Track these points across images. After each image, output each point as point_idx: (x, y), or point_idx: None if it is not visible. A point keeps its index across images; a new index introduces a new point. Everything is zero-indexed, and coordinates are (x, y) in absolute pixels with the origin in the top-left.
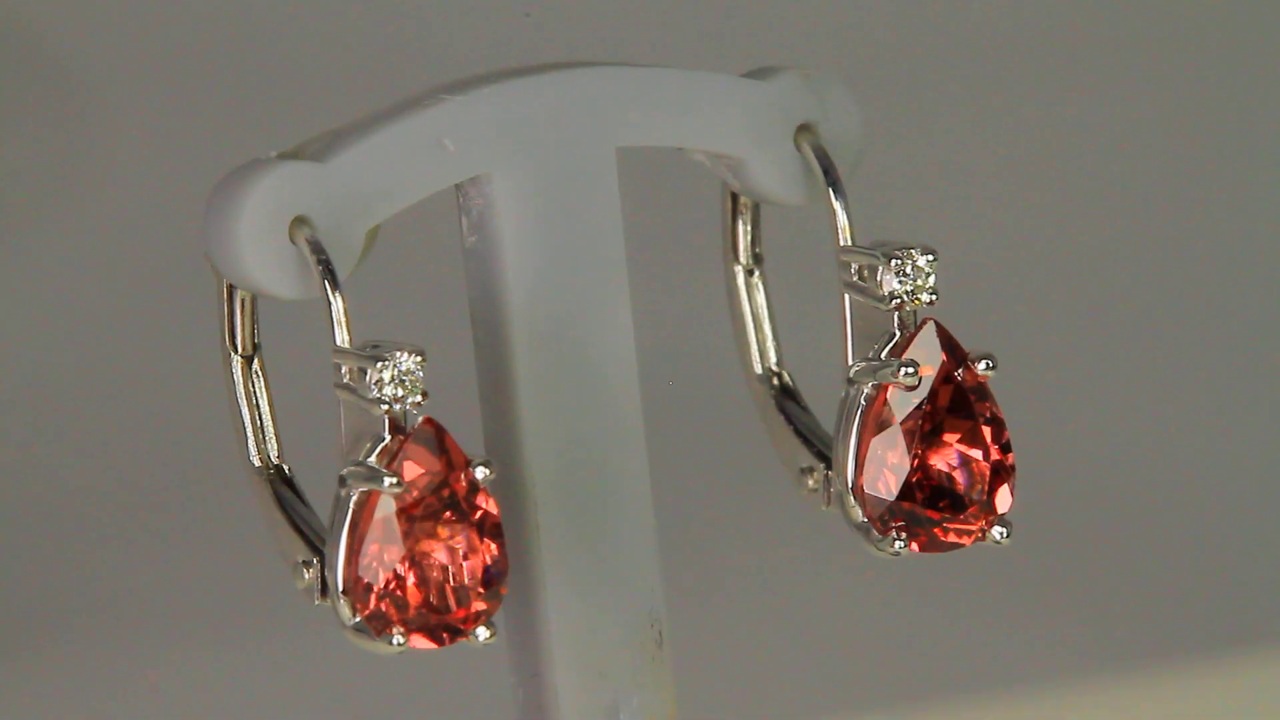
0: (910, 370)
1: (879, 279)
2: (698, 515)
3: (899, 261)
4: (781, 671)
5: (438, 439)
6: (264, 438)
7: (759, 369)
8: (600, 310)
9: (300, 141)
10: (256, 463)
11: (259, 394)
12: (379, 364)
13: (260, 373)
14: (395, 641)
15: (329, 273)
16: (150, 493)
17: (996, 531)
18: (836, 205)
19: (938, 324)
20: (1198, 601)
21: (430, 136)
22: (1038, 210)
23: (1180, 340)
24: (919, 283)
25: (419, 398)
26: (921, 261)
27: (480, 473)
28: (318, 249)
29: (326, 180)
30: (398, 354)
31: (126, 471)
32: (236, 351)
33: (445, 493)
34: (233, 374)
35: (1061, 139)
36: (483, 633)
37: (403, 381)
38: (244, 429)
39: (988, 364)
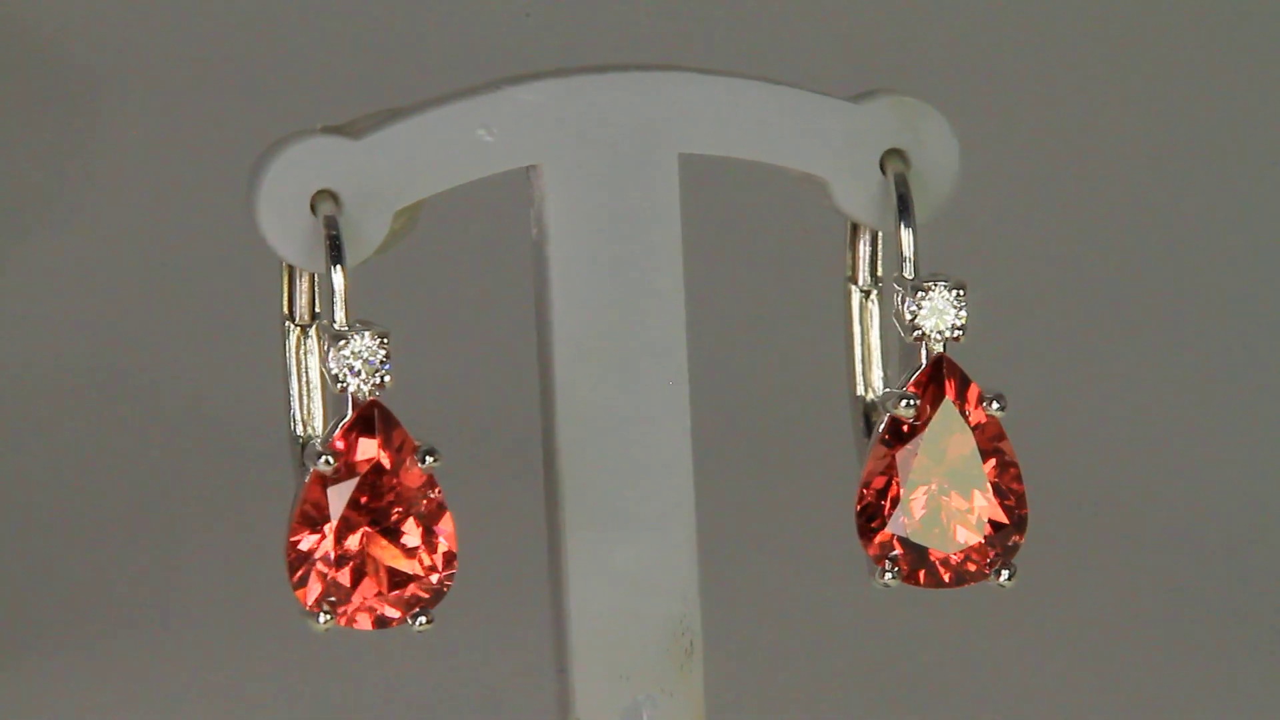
0: (909, 403)
1: (904, 310)
2: (745, 529)
3: (922, 294)
4: (819, 689)
5: (381, 422)
6: (307, 408)
7: (860, 390)
8: (649, 314)
9: (354, 117)
10: (299, 432)
11: (309, 364)
12: (339, 342)
13: (314, 342)
14: (321, 620)
15: (334, 249)
16: (152, 491)
17: (1001, 574)
18: (904, 235)
19: (949, 360)
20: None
21: (471, 124)
22: (1039, 215)
23: (1191, 344)
24: (943, 317)
25: (379, 380)
26: (947, 296)
27: (426, 460)
28: (330, 224)
29: (358, 157)
30: (358, 334)
31: (129, 469)
32: (293, 319)
33: (389, 478)
34: (286, 342)
35: (1063, 144)
36: (419, 620)
37: (367, 361)
38: (288, 398)
39: (997, 404)
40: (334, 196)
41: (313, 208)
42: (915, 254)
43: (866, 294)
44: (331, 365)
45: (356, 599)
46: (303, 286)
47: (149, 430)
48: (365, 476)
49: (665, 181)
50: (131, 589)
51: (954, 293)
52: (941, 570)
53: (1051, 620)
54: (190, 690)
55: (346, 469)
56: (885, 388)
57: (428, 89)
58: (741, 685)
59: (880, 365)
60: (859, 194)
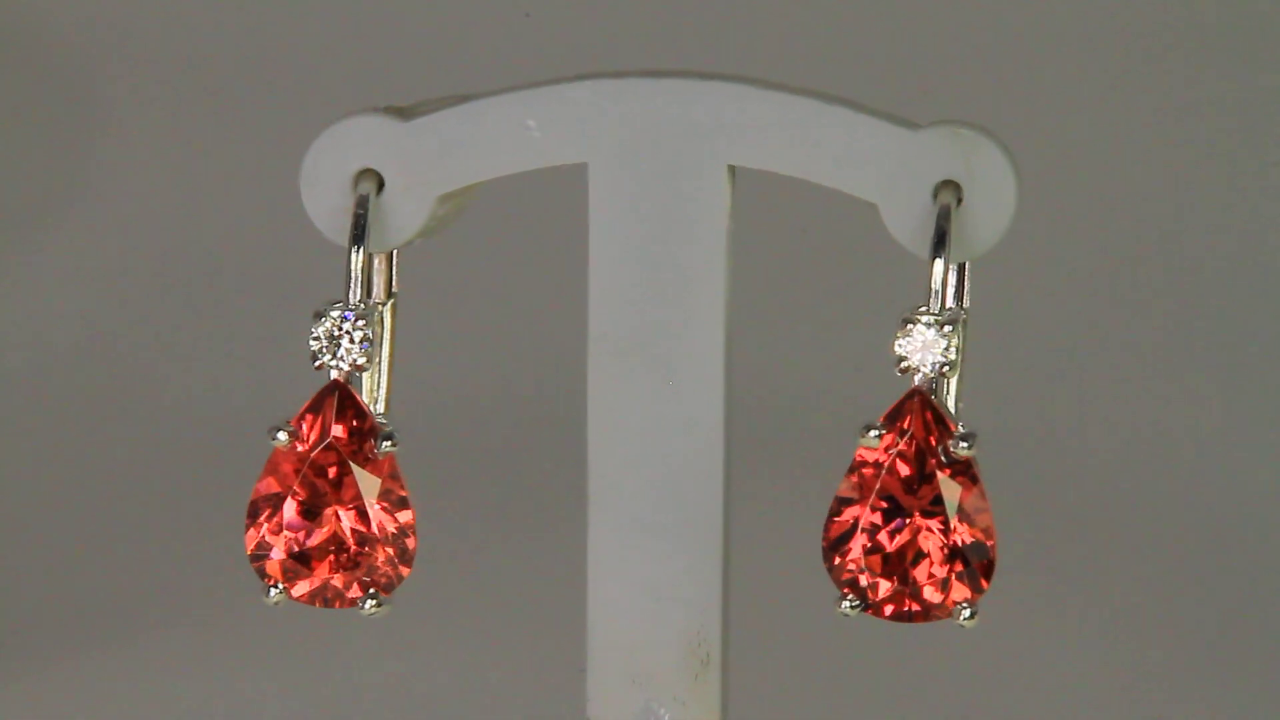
0: (875, 435)
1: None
2: (776, 542)
3: (911, 325)
4: (842, 707)
5: (342, 404)
6: (379, 386)
7: None
8: (686, 323)
9: (421, 100)
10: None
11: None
12: (318, 319)
13: (386, 321)
14: (272, 594)
15: (358, 228)
16: (151, 490)
17: (961, 612)
18: (935, 268)
19: (923, 395)
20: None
21: (520, 116)
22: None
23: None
24: (928, 352)
25: (352, 360)
26: (934, 331)
27: (384, 445)
28: (360, 203)
29: (404, 139)
30: (335, 313)
31: (128, 469)
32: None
33: (343, 458)
34: None
35: (1064, 142)
36: (368, 603)
37: (348, 341)
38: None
39: (965, 444)
40: (374, 176)
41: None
42: (944, 289)
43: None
44: (310, 343)
45: (315, 577)
46: (381, 270)
47: (148, 428)
48: (320, 455)
49: (712, 191)
50: (131, 588)
51: (943, 328)
52: (903, 604)
53: (1079, 636)
54: (191, 690)
55: (309, 446)
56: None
57: (427, 89)
58: (763, 701)
59: (955, 393)
60: (908, 222)
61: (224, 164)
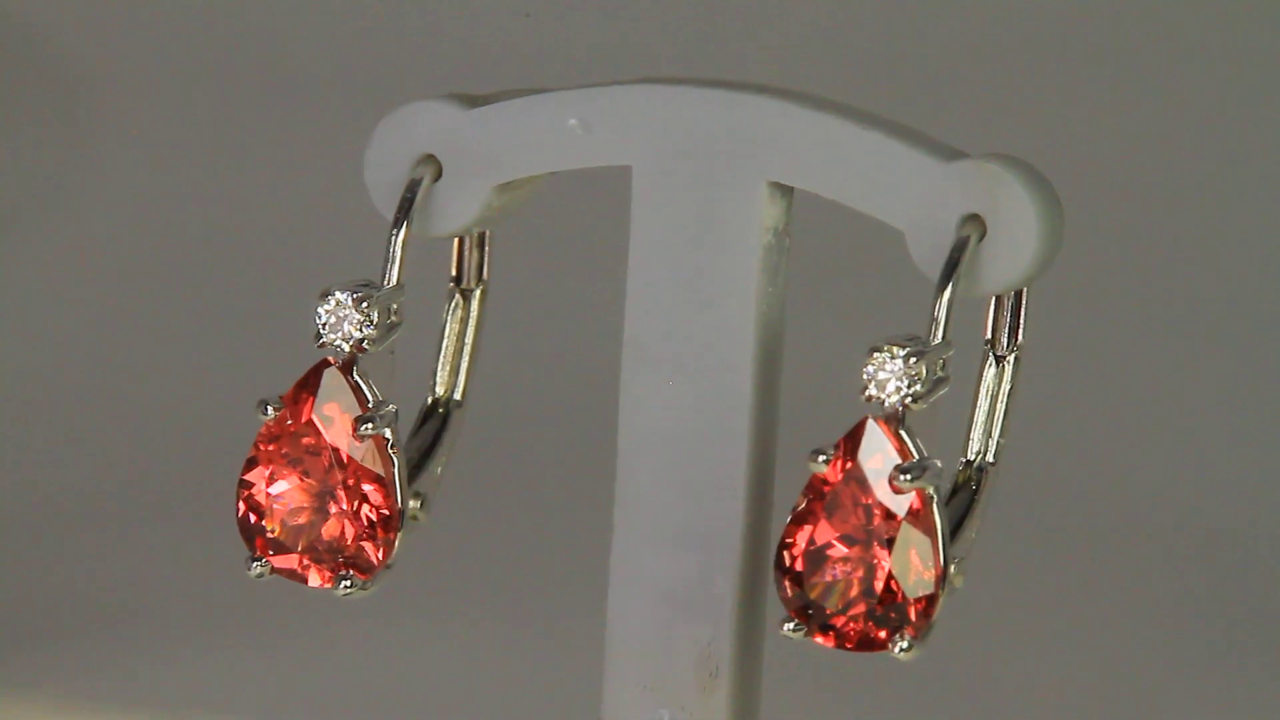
0: (823, 458)
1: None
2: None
3: (876, 354)
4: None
5: (327, 384)
6: (455, 369)
7: (971, 453)
8: (715, 333)
9: (501, 89)
10: (438, 392)
11: (452, 325)
12: (324, 298)
13: (474, 307)
14: (254, 568)
15: (402, 210)
16: (150, 491)
17: (898, 643)
18: (940, 297)
19: (880, 423)
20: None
21: (570, 114)
22: None
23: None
24: (888, 383)
25: (353, 341)
26: (898, 362)
27: (365, 427)
28: (410, 186)
29: (463, 127)
30: (336, 294)
31: (127, 469)
32: (457, 284)
33: (323, 439)
34: (448, 304)
35: (1063, 140)
36: (343, 584)
37: (349, 321)
38: (437, 357)
39: (906, 476)
40: (432, 161)
41: None
42: (946, 320)
43: (999, 359)
44: (315, 320)
45: (296, 553)
46: (471, 255)
47: (144, 428)
48: (307, 433)
49: (748, 203)
50: (131, 586)
51: (910, 359)
52: (841, 631)
53: (1098, 641)
54: (192, 688)
55: (297, 423)
56: (990, 456)
57: (424, 89)
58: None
59: (999, 432)
60: (932, 252)
61: (223, 162)
